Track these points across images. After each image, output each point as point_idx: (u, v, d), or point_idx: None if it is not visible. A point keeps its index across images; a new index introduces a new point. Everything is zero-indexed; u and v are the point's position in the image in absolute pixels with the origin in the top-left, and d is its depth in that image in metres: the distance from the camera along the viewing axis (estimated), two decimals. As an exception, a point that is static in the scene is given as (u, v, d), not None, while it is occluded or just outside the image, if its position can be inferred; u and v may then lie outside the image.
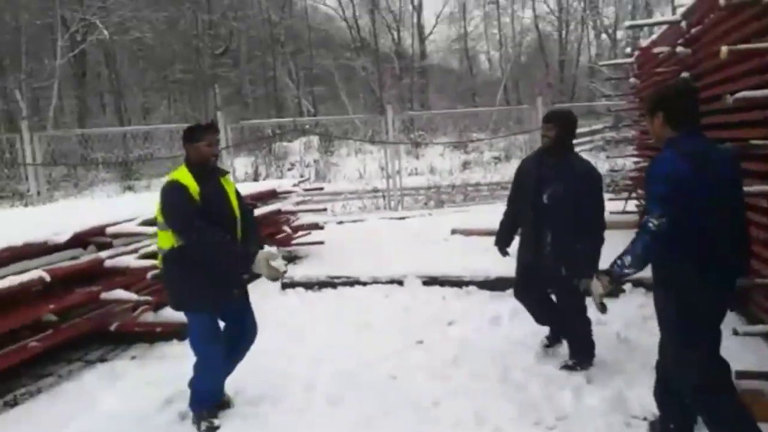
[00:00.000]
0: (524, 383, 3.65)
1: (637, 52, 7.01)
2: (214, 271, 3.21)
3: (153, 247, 5.00)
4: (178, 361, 4.22)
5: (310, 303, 5.62)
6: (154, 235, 4.09)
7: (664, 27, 6.03)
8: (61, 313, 4.27)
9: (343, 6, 32.32)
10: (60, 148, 11.70)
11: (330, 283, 6.00)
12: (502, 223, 4.12)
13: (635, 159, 7.98)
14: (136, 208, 5.21)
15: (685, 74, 5.23)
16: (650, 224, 2.43)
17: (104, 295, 4.52)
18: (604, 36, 32.02)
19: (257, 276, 3.29)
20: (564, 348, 3.95)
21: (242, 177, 14.20)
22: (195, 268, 3.17)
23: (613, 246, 2.99)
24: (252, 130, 14.34)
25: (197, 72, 26.98)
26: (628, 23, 8.48)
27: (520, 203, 3.91)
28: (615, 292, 2.62)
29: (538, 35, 32.46)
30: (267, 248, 3.21)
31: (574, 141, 3.83)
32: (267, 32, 29.65)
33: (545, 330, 4.12)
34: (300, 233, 7.53)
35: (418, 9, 32.74)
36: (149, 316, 4.89)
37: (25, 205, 9.87)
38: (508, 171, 13.15)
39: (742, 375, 3.10)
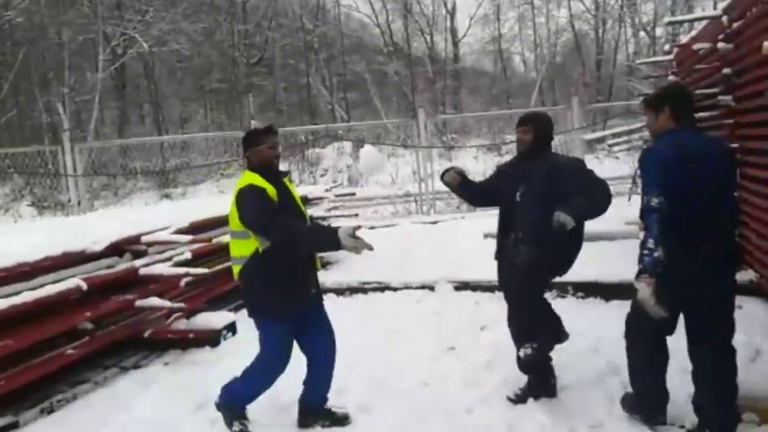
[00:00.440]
0: (557, 389, 3.55)
1: (676, 49, 6.80)
2: (298, 269, 3.21)
3: (186, 255, 5.09)
4: (210, 367, 4.28)
5: (341, 309, 5.57)
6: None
7: (705, 22, 5.83)
8: (97, 320, 4.36)
9: (376, 12, 32.43)
10: (100, 159, 12.02)
11: (361, 289, 5.99)
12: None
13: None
14: (170, 217, 5.31)
15: (726, 70, 5.05)
16: (653, 203, 2.65)
17: (139, 303, 4.59)
18: (642, 33, 31.28)
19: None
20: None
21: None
22: (279, 270, 3.16)
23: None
24: (286, 137, 14.47)
25: (233, 81, 27.42)
26: (667, 19, 8.24)
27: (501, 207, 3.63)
28: (662, 296, 2.58)
29: (573, 35, 31.90)
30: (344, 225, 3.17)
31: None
32: (301, 40, 29.95)
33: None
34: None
35: (452, 12, 32.56)
36: (182, 323, 4.96)
37: (66, 215, 10.16)
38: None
39: None
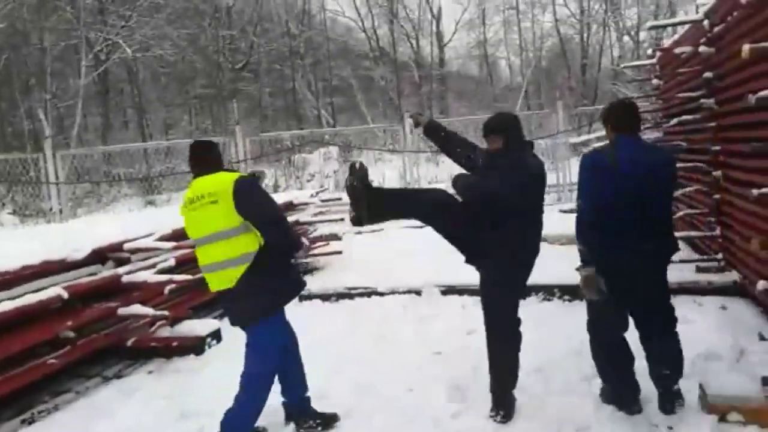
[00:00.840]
0: (544, 393, 3.56)
1: (659, 53, 6.86)
2: (293, 261, 3.29)
3: (170, 262, 5.04)
4: (194, 375, 4.23)
5: (328, 315, 5.56)
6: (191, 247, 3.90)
7: (687, 26, 5.88)
8: (79, 329, 4.29)
9: (362, 17, 32.48)
10: (83, 165, 11.88)
11: (347, 295, 5.95)
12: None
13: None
14: (154, 224, 5.24)
15: (708, 74, 5.09)
16: (576, 204, 3.12)
17: (122, 311, 4.54)
18: (626, 38, 31.60)
19: None
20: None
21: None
22: (282, 259, 3.16)
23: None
24: (271, 142, 14.41)
25: (218, 86, 27.29)
26: (649, 24, 8.29)
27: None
28: (594, 282, 3.01)
29: (559, 39, 32.14)
30: None
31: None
32: (286, 45, 29.90)
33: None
34: (318, 244, 7.50)
35: (437, 17, 32.71)
36: (166, 331, 4.90)
37: (48, 222, 10.02)
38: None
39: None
